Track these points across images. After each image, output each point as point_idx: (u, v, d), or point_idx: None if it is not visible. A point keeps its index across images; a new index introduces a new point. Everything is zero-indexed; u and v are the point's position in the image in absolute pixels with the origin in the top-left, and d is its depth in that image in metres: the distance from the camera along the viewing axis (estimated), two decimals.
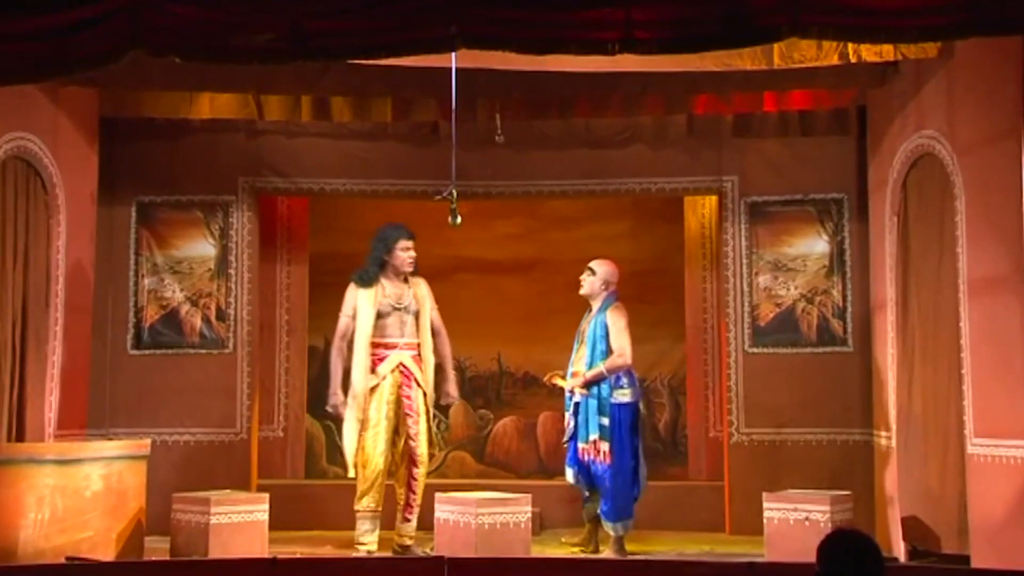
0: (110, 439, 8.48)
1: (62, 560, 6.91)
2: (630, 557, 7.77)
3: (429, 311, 8.08)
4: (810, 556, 6.87)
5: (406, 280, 8.08)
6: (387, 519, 8.06)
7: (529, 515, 7.57)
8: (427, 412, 7.99)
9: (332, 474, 10.25)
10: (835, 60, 7.37)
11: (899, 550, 7.70)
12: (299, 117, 8.99)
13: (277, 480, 9.73)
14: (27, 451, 7.28)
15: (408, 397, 7.90)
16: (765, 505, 7.56)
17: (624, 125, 9.35)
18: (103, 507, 7.31)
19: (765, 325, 9.18)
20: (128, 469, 7.48)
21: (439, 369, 8.21)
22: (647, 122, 9.32)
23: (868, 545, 3.78)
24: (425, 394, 7.99)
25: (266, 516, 7.71)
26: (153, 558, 7.50)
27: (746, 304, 9.20)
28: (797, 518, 7.40)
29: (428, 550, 7.78)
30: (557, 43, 6.26)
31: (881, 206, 8.38)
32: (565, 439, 8.26)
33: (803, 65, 7.44)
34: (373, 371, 7.88)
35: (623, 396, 8.04)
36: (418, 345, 8.03)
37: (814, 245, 9.20)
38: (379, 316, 7.95)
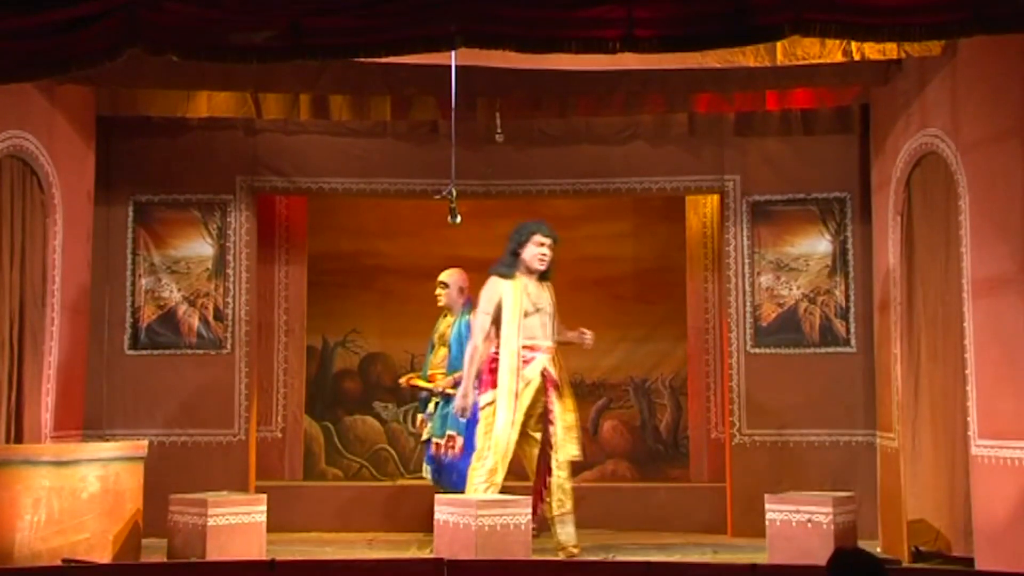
0: (107, 440, 8.43)
1: (59, 562, 6.87)
2: (628, 559, 7.71)
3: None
4: (813, 558, 6.87)
5: (540, 281, 8.02)
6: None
7: (529, 517, 7.51)
8: (565, 416, 7.86)
9: (331, 475, 10.23)
10: (838, 58, 7.34)
11: (903, 552, 7.65)
12: (297, 115, 8.95)
13: (275, 481, 9.68)
14: (24, 452, 7.25)
15: (550, 402, 7.84)
16: (767, 507, 7.49)
17: (625, 124, 9.32)
18: (100, 509, 7.26)
19: (767, 325, 9.14)
20: (125, 470, 7.44)
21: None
22: (648, 120, 9.29)
23: (872, 565, 3.74)
24: (559, 398, 7.88)
25: (264, 518, 7.65)
26: (150, 560, 7.46)
27: (748, 304, 9.16)
28: (799, 520, 7.34)
29: (427, 551, 7.73)
30: (558, 41, 6.23)
31: (884, 205, 8.34)
32: (424, 437, 8.44)
33: (806, 63, 7.42)
34: (520, 374, 7.81)
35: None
36: (554, 348, 8.01)
37: (816, 245, 9.16)
38: (525, 315, 7.88)
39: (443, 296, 8.52)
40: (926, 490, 7.61)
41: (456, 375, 8.15)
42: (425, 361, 8.70)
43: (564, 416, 7.87)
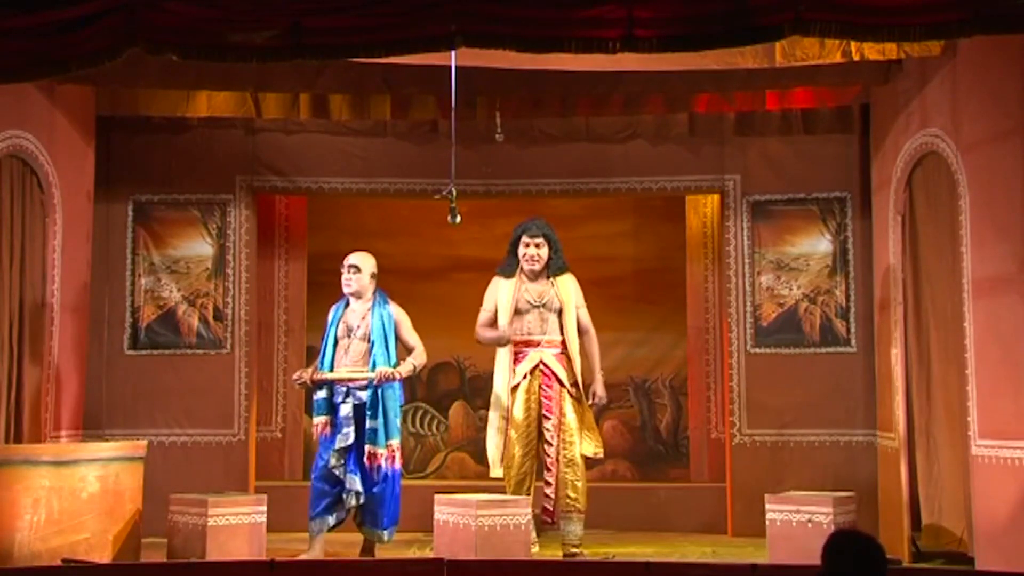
0: (107, 440, 8.42)
1: (58, 562, 6.86)
2: (628, 559, 7.71)
3: (574, 308, 7.86)
4: (813, 558, 6.81)
5: (549, 277, 7.91)
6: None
7: (529, 517, 7.52)
8: (577, 412, 7.75)
9: None
10: (838, 58, 7.35)
11: (904, 551, 7.65)
12: (297, 115, 8.95)
13: (275, 481, 9.67)
14: (23, 452, 7.24)
15: (548, 398, 7.77)
16: (767, 507, 7.49)
17: (625, 123, 9.32)
18: (99, 509, 7.25)
19: (767, 325, 9.14)
20: (125, 470, 7.43)
21: (586, 370, 7.90)
22: (648, 120, 9.28)
23: (872, 545, 3.73)
24: (571, 395, 7.78)
25: (264, 518, 7.65)
26: (150, 560, 7.45)
27: (748, 304, 9.15)
28: (800, 520, 7.34)
29: (428, 551, 7.73)
30: (558, 41, 6.23)
31: (885, 205, 8.33)
32: (343, 444, 7.65)
33: (805, 63, 7.43)
34: (513, 370, 7.78)
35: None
36: (563, 343, 7.83)
37: (817, 244, 9.15)
38: (519, 312, 7.84)
39: (354, 281, 7.90)
40: (944, 492, 7.57)
41: (404, 371, 7.76)
42: (325, 355, 7.91)
43: (576, 412, 7.77)
